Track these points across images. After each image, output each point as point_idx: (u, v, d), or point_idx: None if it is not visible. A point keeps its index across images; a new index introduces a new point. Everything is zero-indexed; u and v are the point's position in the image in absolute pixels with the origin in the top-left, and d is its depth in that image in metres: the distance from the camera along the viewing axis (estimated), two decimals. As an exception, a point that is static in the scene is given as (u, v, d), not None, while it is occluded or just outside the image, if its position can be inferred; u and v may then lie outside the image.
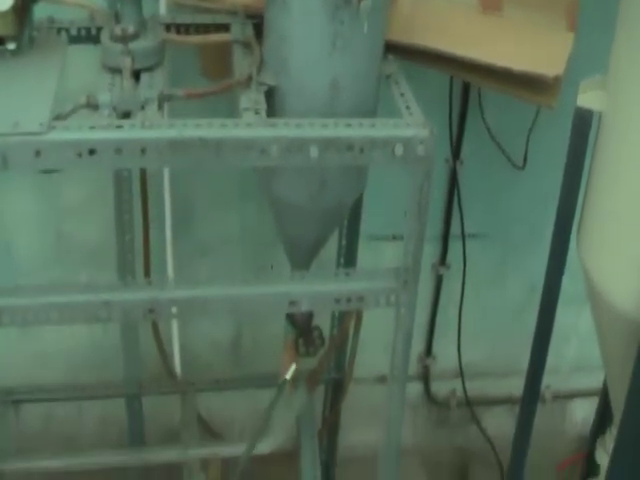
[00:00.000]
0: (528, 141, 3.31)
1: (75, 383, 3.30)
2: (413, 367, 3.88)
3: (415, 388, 3.95)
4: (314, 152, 2.02)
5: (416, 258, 2.21)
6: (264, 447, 2.90)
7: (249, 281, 2.24)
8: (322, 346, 2.81)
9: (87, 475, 3.13)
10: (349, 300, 2.27)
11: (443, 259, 3.66)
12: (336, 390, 3.34)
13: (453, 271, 3.66)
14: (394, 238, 3.45)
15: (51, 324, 2.20)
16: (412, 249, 2.19)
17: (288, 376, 2.77)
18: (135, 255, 3.02)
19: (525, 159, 3.36)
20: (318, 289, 2.26)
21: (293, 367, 2.76)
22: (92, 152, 1.95)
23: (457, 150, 3.39)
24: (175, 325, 3.19)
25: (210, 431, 3.41)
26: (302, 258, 2.68)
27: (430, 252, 3.61)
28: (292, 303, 2.25)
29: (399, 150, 2.05)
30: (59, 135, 1.95)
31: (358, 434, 3.71)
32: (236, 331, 3.67)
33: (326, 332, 2.87)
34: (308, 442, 3.05)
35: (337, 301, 2.27)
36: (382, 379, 3.70)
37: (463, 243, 3.58)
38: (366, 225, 3.04)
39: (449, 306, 3.76)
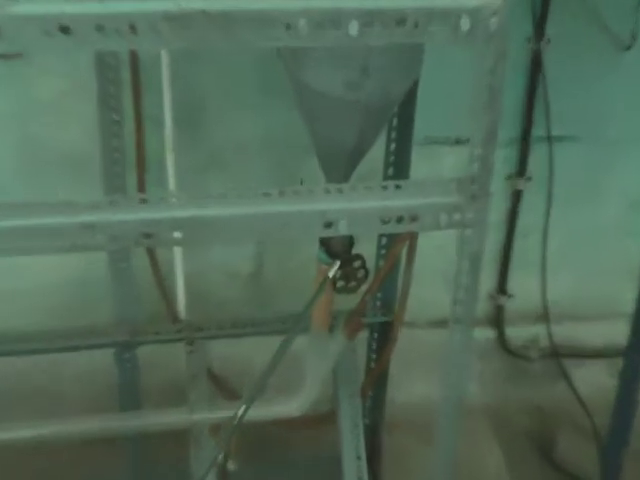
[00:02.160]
0: (638, 15, 3.26)
1: (53, 330, 3.32)
2: (483, 307, 3.91)
3: (485, 334, 3.98)
4: (354, 28, 1.97)
5: (486, 165, 2.17)
6: (293, 408, 2.92)
7: (273, 197, 2.22)
8: (365, 280, 2.81)
9: (68, 446, 3.16)
10: (400, 220, 2.23)
11: (522, 169, 3.65)
12: (383, 336, 3.35)
13: (535, 184, 3.66)
14: (457, 142, 3.45)
15: (19, 255, 2.17)
16: (481, 153, 2.15)
17: (330, 274, 2.77)
18: (126, 166, 3.03)
19: (634, 36, 3.30)
20: (360, 206, 2.23)
21: (337, 263, 2.75)
22: (65, 30, 1.92)
23: (541, 27, 3.35)
24: (179, 255, 3.20)
25: (223, 388, 3.44)
26: (340, 169, 2.67)
27: (506, 160, 3.62)
28: (327, 225, 2.22)
29: (465, 24, 2.00)
30: (22, 7, 1.91)
31: (411, 391, 3.74)
32: (256, 262, 3.70)
33: (371, 263, 2.86)
34: (348, 401, 3.08)
35: (384, 222, 2.24)
36: (442, 323, 3.69)
37: (549, 148, 3.56)
38: (421, 125, 3.01)
39: (530, 230, 3.77)
